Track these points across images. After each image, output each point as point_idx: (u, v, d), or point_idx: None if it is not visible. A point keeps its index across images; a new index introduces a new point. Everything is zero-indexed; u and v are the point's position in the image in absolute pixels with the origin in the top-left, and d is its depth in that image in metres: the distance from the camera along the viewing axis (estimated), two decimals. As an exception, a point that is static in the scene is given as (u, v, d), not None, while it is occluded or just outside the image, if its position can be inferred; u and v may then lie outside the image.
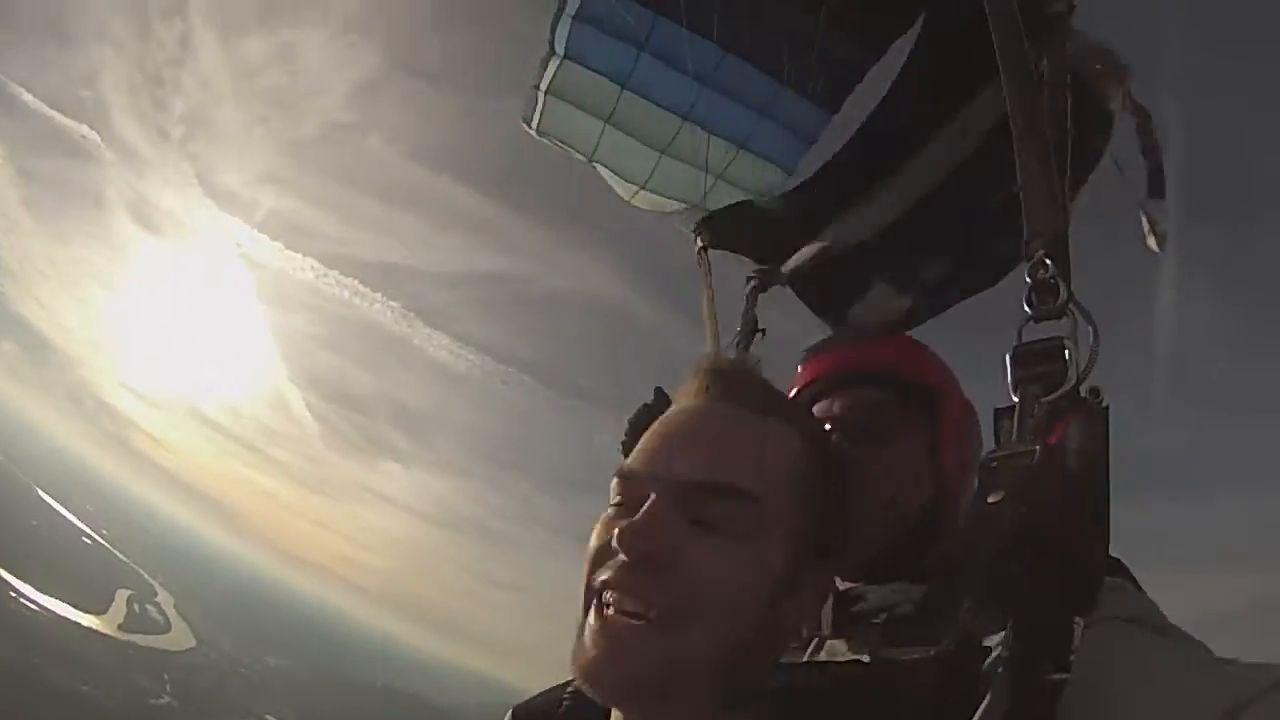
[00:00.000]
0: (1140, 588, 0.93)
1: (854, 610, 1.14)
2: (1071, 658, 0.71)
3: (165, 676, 55.32)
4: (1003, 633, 0.75)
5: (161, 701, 51.60)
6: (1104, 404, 0.87)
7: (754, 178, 1.97)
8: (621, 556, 0.73)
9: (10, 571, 53.66)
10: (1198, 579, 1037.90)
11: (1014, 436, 0.87)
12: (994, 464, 0.85)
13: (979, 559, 0.78)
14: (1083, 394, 0.87)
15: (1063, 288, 0.89)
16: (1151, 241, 1.22)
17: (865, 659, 0.80)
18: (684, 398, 0.87)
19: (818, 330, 1.64)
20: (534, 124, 1.92)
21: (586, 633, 0.75)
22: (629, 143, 1.94)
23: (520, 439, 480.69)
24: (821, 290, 1.67)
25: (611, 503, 0.80)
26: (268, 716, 62.02)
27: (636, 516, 0.74)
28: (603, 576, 0.75)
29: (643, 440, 0.83)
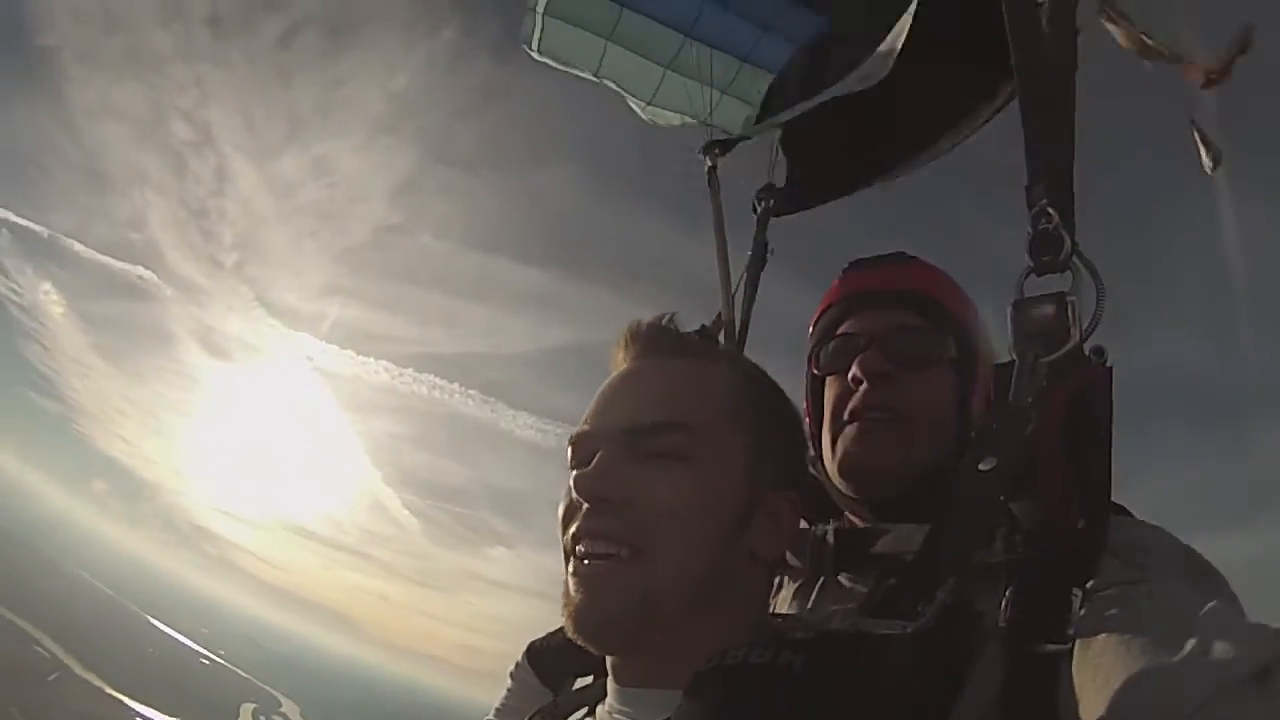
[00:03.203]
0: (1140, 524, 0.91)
1: (850, 557, 1.07)
2: (1070, 631, 0.70)
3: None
4: (993, 599, 0.74)
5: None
6: (1108, 364, 0.80)
7: (758, 91, 1.97)
8: (585, 506, 0.80)
9: (136, 699, 55.85)
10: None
11: (1011, 398, 0.80)
12: (988, 425, 0.81)
13: (966, 532, 0.75)
14: (1087, 353, 0.80)
15: (1067, 239, 0.82)
16: (1206, 162, 1.12)
17: (844, 629, 0.75)
18: (614, 367, 0.92)
19: (832, 250, 1.59)
20: (533, 44, 1.93)
21: (568, 587, 0.80)
22: (632, 60, 1.95)
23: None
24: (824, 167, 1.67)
25: (569, 468, 0.85)
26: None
27: (588, 467, 0.81)
28: (571, 530, 0.81)
29: (587, 409, 0.89)
